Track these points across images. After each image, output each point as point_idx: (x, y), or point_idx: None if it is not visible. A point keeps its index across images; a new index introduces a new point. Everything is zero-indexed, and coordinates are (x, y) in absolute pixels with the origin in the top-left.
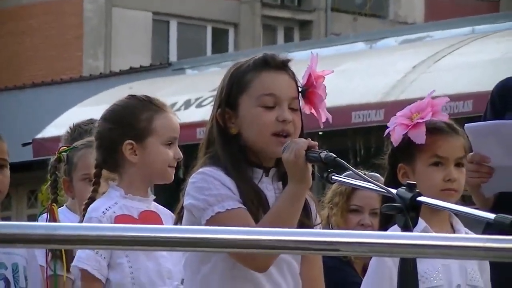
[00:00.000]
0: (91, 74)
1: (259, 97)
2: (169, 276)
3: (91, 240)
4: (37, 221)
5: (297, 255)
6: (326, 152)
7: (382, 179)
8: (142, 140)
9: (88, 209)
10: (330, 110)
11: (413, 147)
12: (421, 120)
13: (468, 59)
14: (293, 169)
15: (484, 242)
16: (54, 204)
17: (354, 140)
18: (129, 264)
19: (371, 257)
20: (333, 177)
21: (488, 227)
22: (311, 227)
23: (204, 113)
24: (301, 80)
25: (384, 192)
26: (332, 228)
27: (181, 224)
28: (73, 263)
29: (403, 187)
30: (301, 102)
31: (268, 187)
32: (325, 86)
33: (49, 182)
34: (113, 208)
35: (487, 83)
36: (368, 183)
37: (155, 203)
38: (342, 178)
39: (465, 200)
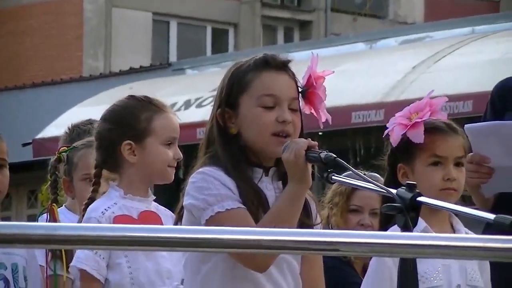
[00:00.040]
0: (91, 74)
1: (259, 97)
2: (168, 276)
3: (91, 240)
4: (37, 221)
5: (298, 255)
6: (326, 152)
7: (382, 179)
8: (141, 141)
9: (88, 209)
10: (329, 110)
11: (412, 147)
12: (419, 120)
13: (468, 60)
14: (293, 169)
15: (484, 242)
16: (54, 204)
17: (354, 140)
18: (128, 264)
19: (371, 257)
20: (333, 177)
21: (488, 228)
22: (311, 227)
23: (204, 113)
24: (301, 80)
25: (384, 192)
26: (332, 228)
27: (181, 224)
28: (72, 263)
29: (403, 187)
30: (301, 103)
31: (268, 186)
32: (325, 87)
33: (49, 182)
34: (112, 209)
35: (487, 84)
36: (368, 183)
37: (156, 203)
38: (342, 178)
39: (465, 200)
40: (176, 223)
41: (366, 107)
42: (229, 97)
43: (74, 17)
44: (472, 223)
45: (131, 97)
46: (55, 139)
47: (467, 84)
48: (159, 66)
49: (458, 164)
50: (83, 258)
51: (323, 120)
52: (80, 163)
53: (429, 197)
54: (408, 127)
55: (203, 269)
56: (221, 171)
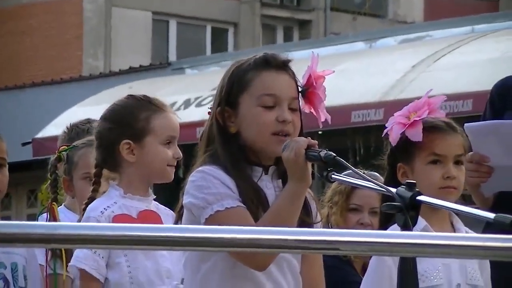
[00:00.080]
0: (91, 73)
1: (260, 96)
2: (168, 276)
3: (91, 239)
4: (37, 221)
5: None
6: (326, 151)
7: (382, 178)
8: (140, 140)
9: (87, 208)
10: (329, 109)
11: (411, 146)
12: (417, 118)
13: (468, 59)
14: (293, 168)
15: (484, 241)
16: (54, 203)
17: (353, 139)
18: (127, 263)
19: (371, 256)
20: (332, 176)
21: (488, 227)
22: (311, 225)
23: (203, 113)
24: (301, 79)
25: (383, 191)
26: (331, 227)
27: (181, 223)
28: (70, 263)
29: (402, 186)
30: (301, 102)
31: (268, 185)
32: (325, 88)
33: (49, 181)
34: (111, 208)
35: (487, 83)
36: (368, 182)
37: (156, 202)
38: (341, 177)
39: (466, 199)
40: (176, 222)
41: (366, 106)
42: (229, 96)
43: (74, 17)
44: (472, 222)
45: (131, 96)
46: (55, 139)
47: (467, 83)
48: (158, 65)
49: (457, 162)
50: (82, 257)
51: (323, 119)
52: (81, 162)
53: (429, 196)
54: (407, 126)
55: (203, 268)
56: (221, 170)
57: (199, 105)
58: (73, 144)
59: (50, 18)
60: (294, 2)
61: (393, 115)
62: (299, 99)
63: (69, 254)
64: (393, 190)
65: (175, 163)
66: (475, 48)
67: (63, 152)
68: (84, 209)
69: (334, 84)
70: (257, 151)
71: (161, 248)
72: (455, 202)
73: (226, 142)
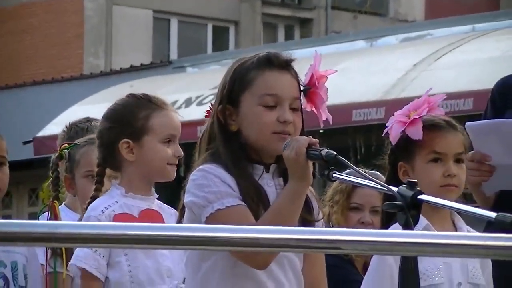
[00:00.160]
0: (92, 72)
1: (261, 96)
2: (169, 275)
3: (92, 238)
4: (38, 219)
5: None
6: (327, 150)
7: (383, 177)
8: (139, 139)
9: (88, 207)
10: (330, 108)
11: (411, 145)
12: (417, 116)
13: (469, 57)
14: (294, 166)
15: (485, 240)
16: (55, 201)
17: (354, 138)
18: (128, 262)
19: (372, 255)
20: (334, 175)
21: (489, 226)
22: (313, 223)
23: (205, 111)
24: (303, 78)
25: (385, 190)
26: (332, 226)
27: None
28: (71, 262)
29: (404, 185)
30: (302, 100)
31: (269, 183)
32: (327, 88)
33: (51, 179)
34: (112, 207)
35: (488, 81)
36: (369, 181)
37: (159, 201)
38: (343, 176)
39: (467, 198)
40: (179, 221)
41: (367, 105)
42: (231, 94)
43: (74, 15)
44: (474, 221)
45: (131, 95)
46: (55, 137)
47: (468, 82)
48: (159, 64)
49: (458, 160)
50: (82, 256)
51: (324, 119)
52: (83, 160)
53: (430, 194)
54: (407, 124)
55: (204, 267)
56: (222, 168)
57: (200, 103)
58: (74, 142)
59: (51, 17)
60: (295, 1)
61: (393, 114)
62: (301, 97)
63: (69, 253)
64: (395, 189)
65: (177, 162)
66: (476, 46)
67: (65, 150)
68: (87, 208)
69: (335, 83)
70: (258, 149)
71: (161, 247)
72: (456, 201)
73: (227, 140)
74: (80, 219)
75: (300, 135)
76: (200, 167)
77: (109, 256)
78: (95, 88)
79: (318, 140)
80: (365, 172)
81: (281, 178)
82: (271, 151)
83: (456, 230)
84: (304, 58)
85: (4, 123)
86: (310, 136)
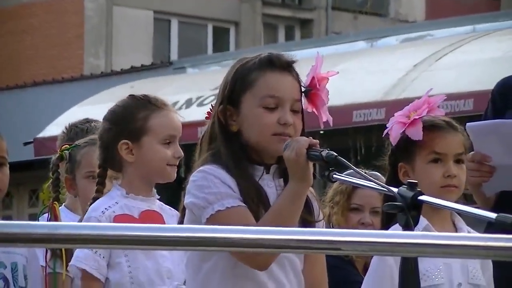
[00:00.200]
0: (92, 73)
1: (262, 98)
2: (169, 276)
3: (92, 239)
4: (38, 220)
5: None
6: (327, 150)
7: (383, 178)
8: (137, 139)
9: (89, 208)
10: (331, 109)
11: (411, 145)
12: (417, 117)
13: (469, 58)
14: (294, 167)
15: (485, 241)
16: (55, 202)
17: (355, 139)
18: (128, 263)
19: (372, 256)
20: (334, 175)
21: (490, 227)
22: (313, 223)
23: (205, 112)
24: (305, 79)
25: (385, 191)
26: (333, 227)
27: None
28: (71, 262)
29: (404, 186)
30: (304, 101)
31: (269, 184)
32: (328, 91)
33: (51, 180)
34: (113, 208)
35: (488, 82)
36: (369, 182)
37: (160, 202)
38: (343, 176)
39: (467, 199)
40: (180, 222)
41: (367, 106)
42: (232, 94)
43: (75, 16)
44: (474, 222)
45: (131, 96)
46: (56, 138)
47: (468, 82)
48: (160, 64)
49: (458, 161)
50: (82, 257)
51: (324, 120)
52: (84, 161)
53: (430, 195)
54: (407, 125)
55: (204, 268)
56: (222, 169)
57: (200, 104)
58: (75, 143)
59: (51, 17)
60: (296, 1)
61: (394, 115)
62: (302, 98)
63: (69, 254)
64: (395, 190)
65: (177, 163)
66: (476, 47)
67: (65, 151)
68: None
69: (335, 84)
70: (259, 150)
71: (161, 248)
72: (457, 202)
73: (228, 140)
74: (80, 220)
75: (300, 135)
76: (200, 168)
77: (109, 257)
78: (96, 89)
79: (318, 141)
80: (365, 173)
81: (282, 179)
82: (271, 152)
83: (456, 230)
84: (304, 58)
85: (5, 123)
86: (311, 137)
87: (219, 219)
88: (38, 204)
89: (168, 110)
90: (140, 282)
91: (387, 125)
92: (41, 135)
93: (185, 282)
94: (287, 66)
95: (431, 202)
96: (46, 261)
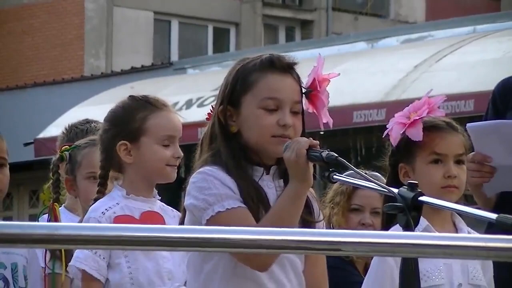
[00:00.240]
0: (93, 73)
1: (263, 99)
2: (169, 277)
3: (92, 240)
4: (38, 221)
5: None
6: (328, 151)
7: (384, 178)
8: (136, 140)
9: (89, 209)
10: (331, 110)
11: (412, 146)
12: (417, 118)
13: (470, 59)
14: (295, 168)
15: (485, 241)
16: (55, 203)
17: (355, 139)
18: (128, 264)
19: (372, 257)
20: (334, 176)
21: (490, 227)
22: (314, 224)
23: (205, 113)
24: (305, 80)
25: (385, 191)
26: (333, 228)
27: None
28: (70, 263)
29: (404, 186)
30: (304, 101)
31: (269, 185)
32: (329, 93)
33: (51, 181)
34: (113, 209)
35: (489, 83)
36: (370, 183)
37: (162, 203)
38: (343, 177)
39: (468, 199)
40: (181, 223)
41: (368, 107)
42: (232, 94)
43: (75, 17)
44: (474, 223)
45: (131, 97)
46: (56, 139)
47: (469, 83)
48: (160, 65)
49: (458, 161)
50: (82, 258)
51: (324, 121)
52: (84, 162)
53: (431, 196)
54: (407, 125)
55: (205, 269)
56: (222, 171)
57: (201, 105)
58: (75, 144)
59: (51, 18)
60: (296, 2)
61: (394, 116)
62: (303, 99)
63: (69, 254)
64: (395, 190)
65: (177, 163)
66: (477, 48)
67: (66, 152)
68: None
69: (335, 84)
70: (258, 151)
71: (161, 248)
72: (457, 202)
73: (228, 141)
74: (80, 221)
75: (301, 136)
76: (200, 169)
77: (109, 258)
78: (96, 90)
79: (318, 142)
80: (365, 173)
81: (282, 179)
82: (270, 153)
83: (456, 231)
84: (304, 59)
85: (5, 124)
86: (311, 138)
87: (219, 220)
88: (39, 205)
89: (168, 110)
90: (140, 283)
91: (387, 126)
92: (41, 135)
93: (185, 283)
94: (288, 68)
95: (432, 203)
96: (45, 261)
